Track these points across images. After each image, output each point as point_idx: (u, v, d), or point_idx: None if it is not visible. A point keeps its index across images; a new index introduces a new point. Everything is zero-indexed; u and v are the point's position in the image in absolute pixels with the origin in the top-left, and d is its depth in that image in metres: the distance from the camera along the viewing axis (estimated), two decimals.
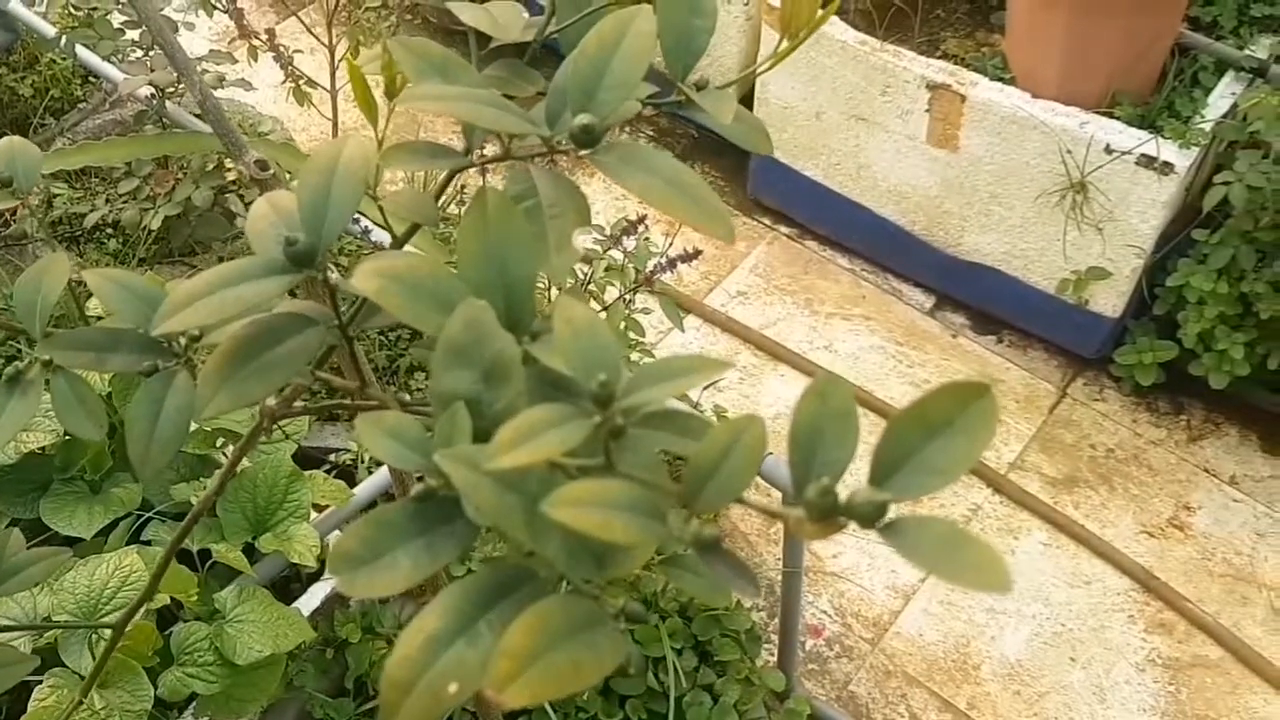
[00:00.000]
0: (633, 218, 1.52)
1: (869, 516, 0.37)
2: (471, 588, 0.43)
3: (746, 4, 2.53)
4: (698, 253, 1.53)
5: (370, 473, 1.85)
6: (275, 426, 1.00)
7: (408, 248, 0.66)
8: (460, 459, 0.42)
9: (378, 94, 0.62)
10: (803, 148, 2.55)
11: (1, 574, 0.62)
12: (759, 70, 0.63)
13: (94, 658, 1.38)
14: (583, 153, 0.51)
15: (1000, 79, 2.25)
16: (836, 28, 2.33)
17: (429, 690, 0.41)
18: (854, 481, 0.44)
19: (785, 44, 0.60)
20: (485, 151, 0.59)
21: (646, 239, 1.59)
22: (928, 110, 2.28)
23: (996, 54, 2.35)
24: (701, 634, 1.64)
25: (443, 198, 0.77)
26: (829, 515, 0.37)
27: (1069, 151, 2.13)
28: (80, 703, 0.76)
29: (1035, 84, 2.19)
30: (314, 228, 0.54)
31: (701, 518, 0.39)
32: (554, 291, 1.60)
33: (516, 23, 0.58)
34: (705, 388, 2.24)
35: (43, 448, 1.58)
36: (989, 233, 2.37)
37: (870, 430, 1.72)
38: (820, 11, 0.58)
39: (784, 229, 2.71)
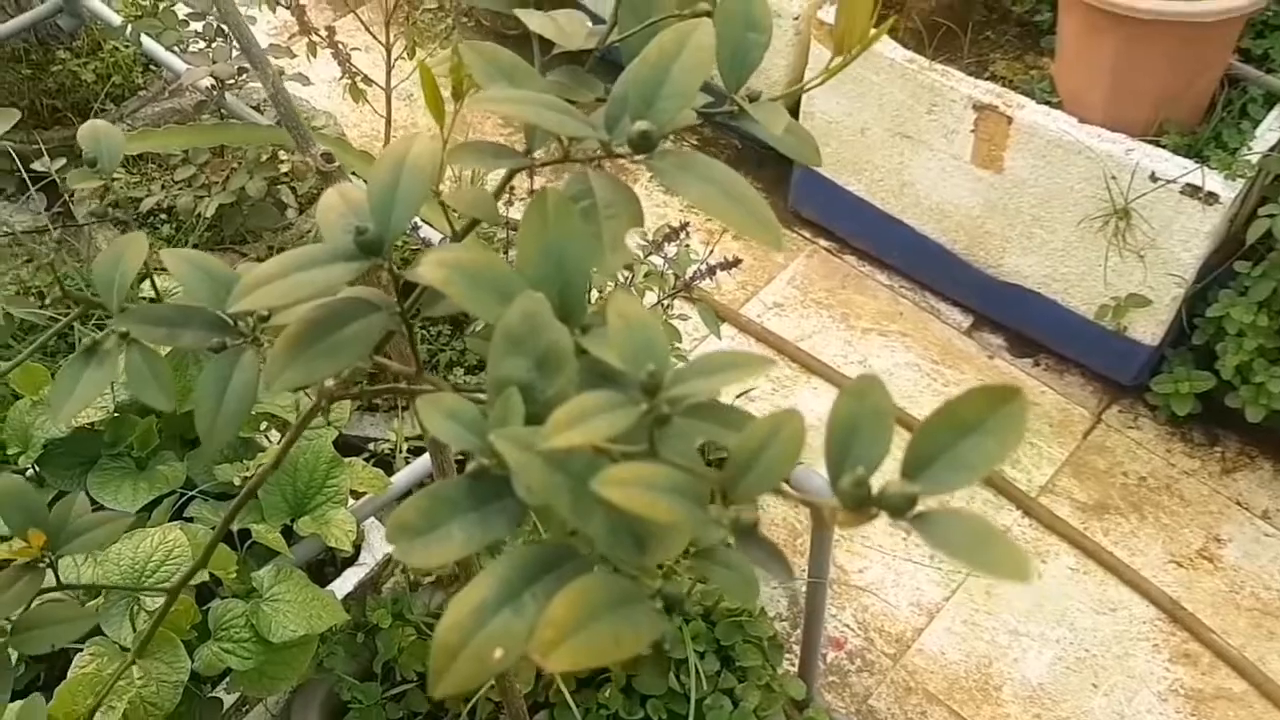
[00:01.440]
0: (674, 224, 1.55)
1: (899, 507, 0.40)
2: (519, 561, 0.45)
3: (796, 19, 2.55)
4: (737, 261, 1.56)
5: (408, 462, 1.89)
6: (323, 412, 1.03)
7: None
8: (514, 440, 0.45)
9: (445, 95, 0.65)
10: (846, 162, 2.57)
11: (68, 534, 0.65)
12: (810, 85, 0.65)
13: (134, 629, 1.42)
14: (639, 158, 0.53)
15: (1047, 102, 2.26)
16: (886, 45, 2.34)
17: (475, 655, 0.43)
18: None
19: (837, 60, 0.62)
20: (543, 154, 0.62)
21: (687, 246, 1.62)
22: (973, 130, 2.29)
23: (1045, 77, 2.36)
24: (724, 639, 1.66)
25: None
26: (862, 505, 0.40)
27: (1113, 177, 2.13)
28: (130, 665, 0.79)
29: (1082, 109, 2.20)
30: (382, 219, 0.57)
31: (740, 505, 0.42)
32: (593, 295, 1.63)
33: (580, 31, 0.61)
34: (738, 396, 2.26)
35: (93, 423, 1.63)
36: (1030, 255, 2.37)
37: (902, 446, 1.74)
38: (874, 30, 0.60)
39: (823, 242, 2.73)
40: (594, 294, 1.65)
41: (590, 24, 0.63)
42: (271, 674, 1.51)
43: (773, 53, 2.61)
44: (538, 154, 0.63)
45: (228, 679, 1.53)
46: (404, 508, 0.47)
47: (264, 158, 2.27)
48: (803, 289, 2.64)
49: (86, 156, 0.64)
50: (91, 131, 0.65)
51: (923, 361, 2.48)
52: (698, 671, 1.61)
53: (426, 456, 1.72)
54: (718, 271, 1.51)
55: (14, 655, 0.64)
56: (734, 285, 2.63)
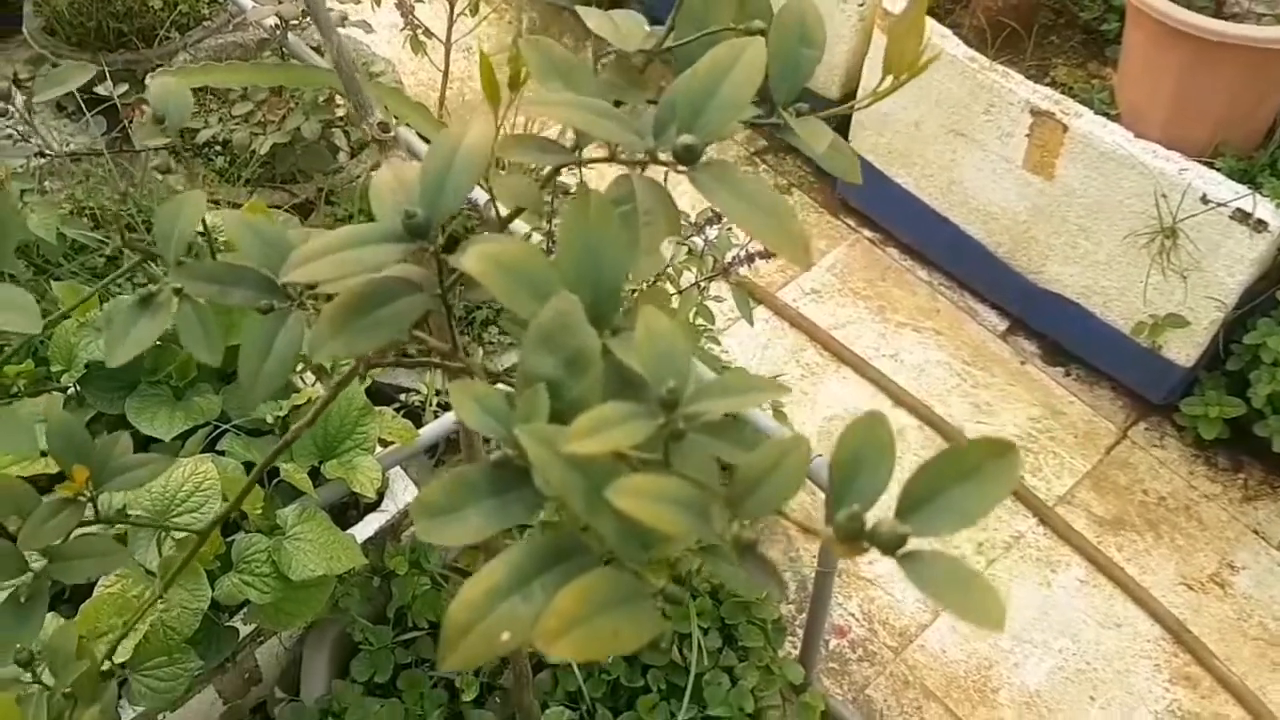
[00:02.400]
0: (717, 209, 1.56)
1: (889, 545, 0.42)
2: (531, 550, 0.48)
3: (861, 5, 2.54)
4: (772, 254, 1.57)
5: (436, 416, 1.93)
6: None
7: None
8: (537, 436, 0.48)
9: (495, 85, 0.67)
10: (896, 155, 2.57)
11: (110, 471, 0.68)
12: (860, 105, 0.66)
13: (159, 554, 1.47)
14: (681, 169, 0.55)
15: (1105, 114, 2.24)
16: (948, 42, 2.33)
17: (484, 635, 0.46)
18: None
19: (885, 84, 0.63)
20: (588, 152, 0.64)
21: (728, 229, 1.63)
22: (1028, 135, 2.28)
23: (1106, 88, 2.34)
24: (729, 618, 1.69)
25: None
26: (854, 539, 0.42)
27: (1164, 195, 2.12)
28: (156, 600, 0.83)
29: (1140, 123, 2.19)
30: (431, 203, 0.59)
31: (744, 521, 0.44)
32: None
33: (638, 34, 0.63)
34: None
35: None
36: (1073, 265, 2.37)
37: (924, 445, 1.77)
38: (924, 60, 0.61)
39: (867, 233, 2.73)
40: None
41: (648, 26, 0.65)
42: (288, 610, 1.56)
43: (835, 37, 2.60)
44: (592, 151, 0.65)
45: (245, 610, 1.58)
46: (429, 489, 0.50)
47: (321, 100, 2.30)
48: (842, 277, 2.64)
49: (155, 113, 0.67)
50: (161, 90, 0.68)
51: (954, 361, 2.49)
52: (701, 647, 1.64)
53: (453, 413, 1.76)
54: (756, 259, 1.52)
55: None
56: (773, 268, 2.63)
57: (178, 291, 0.65)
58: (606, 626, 0.44)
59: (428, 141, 2.20)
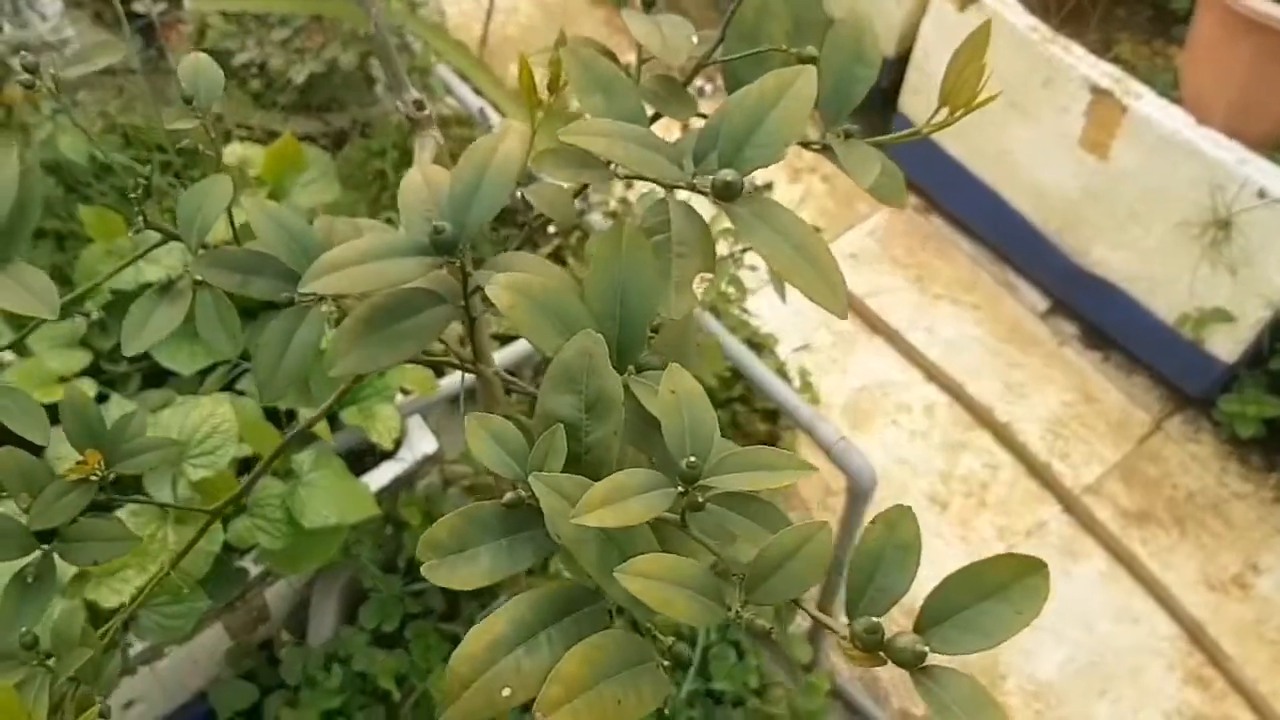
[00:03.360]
0: (759, 182, 1.52)
1: (907, 662, 0.40)
2: (537, 601, 0.47)
3: None
4: (817, 230, 1.53)
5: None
6: None
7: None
8: (552, 486, 0.46)
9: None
10: None
11: (123, 453, 0.67)
12: (915, 135, 0.63)
13: (174, 494, 1.47)
14: (719, 203, 0.53)
15: (1167, 96, 2.17)
16: (1011, 9, 2.26)
17: (485, 690, 0.45)
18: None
19: (939, 118, 0.60)
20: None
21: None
22: (1085, 113, 2.22)
23: (1170, 69, 2.27)
24: None
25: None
26: (872, 650, 0.40)
27: (1220, 186, 2.06)
28: (169, 569, 0.82)
29: (1202, 110, 2.12)
30: (459, 217, 0.57)
31: (757, 608, 0.42)
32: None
33: (685, 46, 0.60)
34: (797, 349, 2.25)
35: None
36: (1121, 249, 2.31)
37: (954, 422, 1.72)
38: (981, 96, 0.58)
39: (913, 199, 2.68)
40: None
41: (695, 39, 0.62)
42: (299, 555, 1.56)
43: None
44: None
45: (256, 551, 1.59)
46: (437, 526, 0.48)
47: (361, 32, 2.26)
48: (882, 243, 2.60)
49: (184, 93, 0.64)
50: (191, 67, 0.66)
51: (990, 338, 2.45)
52: None
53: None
54: None
55: None
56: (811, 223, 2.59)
57: (199, 283, 0.63)
58: (610, 695, 0.43)
59: (466, 80, 2.17)
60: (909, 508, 0.45)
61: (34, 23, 2.43)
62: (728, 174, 0.52)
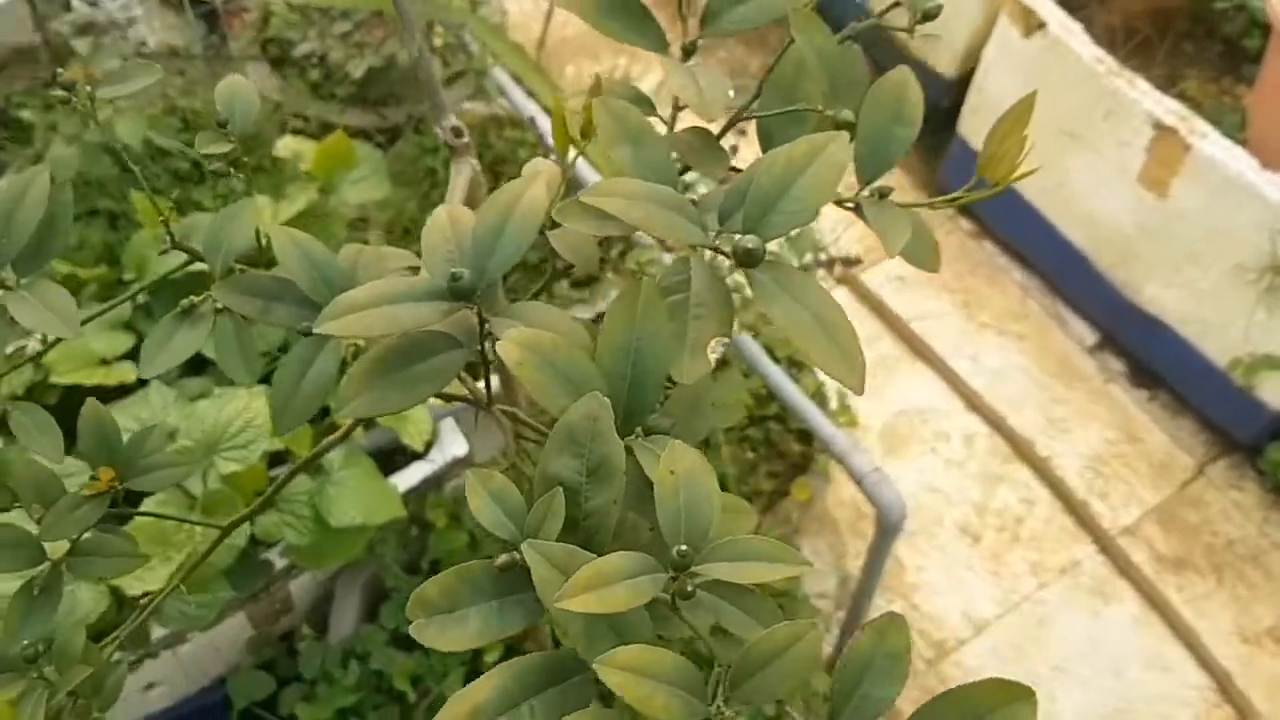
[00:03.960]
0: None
1: None
2: (522, 670, 0.46)
3: None
4: (858, 260, 1.51)
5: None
6: None
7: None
8: (544, 555, 0.45)
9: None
10: None
11: (138, 469, 0.68)
12: (952, 202, 0.62)
13: (204, 484, 1.49)
14: (740, 270, 0.52)
15: (1233, 136, 2.12)
16: (1076, 39, 2.22)
17: None
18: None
19: (980, 189, 0.59)
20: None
21: (812, 226, 1.58)
22: (1146, 149, 2.17)
23: (1238, 109, 2.22)
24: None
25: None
26: None
27: None
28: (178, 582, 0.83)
29: (1268, 153, 2.07)
30: (480, 263, 0.56)
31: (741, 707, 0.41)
32: None
33: (722, 101, 0.59)
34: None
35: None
36: (1174, 289, 2.26)
37: (992, 454, 1.70)
38: (1021, 170, 0.57)
39: (965, 224, 2.64)
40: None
41: (732, 92, 0.61)
42: (324, 552, 1.57)
43: (958, 10, 2.50)
44: None
45: (281, 546, 1.60)
46: (429, 584, 0.48)
47: (424, 29, 2.27)
48: None
49: (218, 117, 0.64)
50: (227, 90, 0.66)
51: (1035, 370, 2.41)
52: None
53: None
54: (837, 265, 1.47)
55: None
56: (860, 248, 2.56)
57: (220, 311, 0.63)
58: None
59: (519, 82, 2.17)
60: (901, 618, 0.44)
61: (104, 1, 2.47)
62: (749, 241, 0.51)
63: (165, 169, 2.15)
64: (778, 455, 2.10)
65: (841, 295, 2.47)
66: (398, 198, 2.10)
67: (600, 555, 0.47)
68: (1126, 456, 2.30)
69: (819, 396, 2.16)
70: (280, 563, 1.62)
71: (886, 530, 1.59)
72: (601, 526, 0.48)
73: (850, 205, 0.62)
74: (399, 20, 2.13)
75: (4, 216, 0.61)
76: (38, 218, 0.61)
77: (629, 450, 0.50)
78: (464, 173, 0.78)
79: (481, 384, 0.64)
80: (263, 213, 1.81)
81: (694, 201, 0.55)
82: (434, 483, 1.75)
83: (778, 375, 1.61)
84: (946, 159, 2.63)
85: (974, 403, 2.35)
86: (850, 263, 1.50)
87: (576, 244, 0.62)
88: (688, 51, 0.63)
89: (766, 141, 0.62)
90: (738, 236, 0.51)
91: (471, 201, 0.85)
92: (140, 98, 2.32)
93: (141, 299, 1.75)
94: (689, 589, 0.43)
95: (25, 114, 2.14)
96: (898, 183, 2.69)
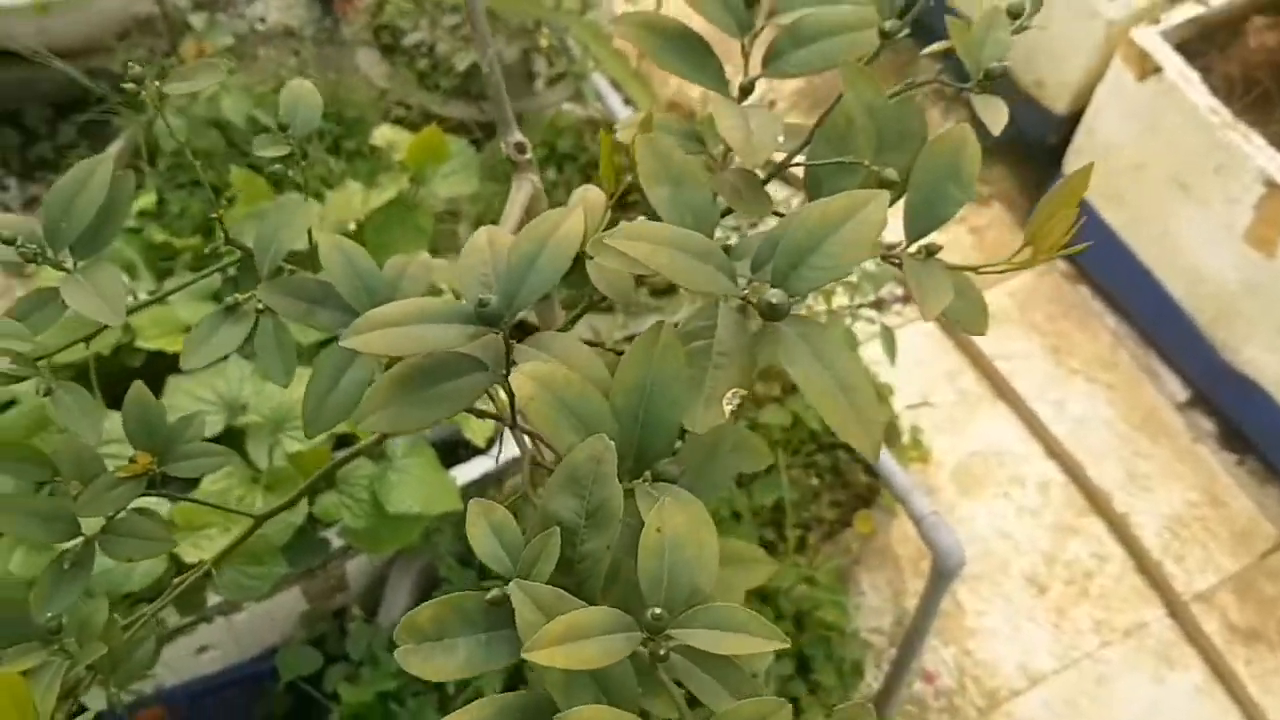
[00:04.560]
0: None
1: None
2: (500, 710, 0.46)
3: (1111, 24, 2.36)
4: None
5: None
6: None
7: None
8: (530, 596, 0.45)
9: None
10: (1111, 192, 2.40)
11: (177, 455, 0.69)
12: (996, 269, 0.60)
13: (270, 460, 1.52)
14: (765, 322, 0.51)
15: None
16: (1193, 87, 2.15)
17: None
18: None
19: (1022, 255, 0.57)
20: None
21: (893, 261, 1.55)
22: (1255, 206, 2.09)
23: None
24: (807, 648, 1.66)
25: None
26: None
27: None
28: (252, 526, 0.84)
29: None
30: (512, 289, 0.56)
31: None
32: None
33: (770, 146, 0.58)
34: (910, 406, 2.19)
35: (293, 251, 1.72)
36: (1275, 352, 2.18)
37: (1067, 504, 1.67)
38: (1068, 246, 0.55)
39: (1061, 264, 2.58)
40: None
41: (782, 137, 0.60)
42: (379, 537, 1.60)
43: (1073, 49, 2.44)
44: None
45: (339, 526, 1.63)
46: (419, 610, 0.48)
47: (529, 27, 2.29)
48: (1022, 306, 2.51)
49: (280, 119, 0.66)
50: (290, 94, 0.67)
51: (1121, 422, 2.34)
52: (769, 671, 1.61)
53: None
54: (911, 301, 1.44)
55: None
56: None
57: (263, 312, 0.64)
58: None
59: (618, 89, 2.18)
60: (870, 708, 0.42)
61: None
62: (774, 295, 0.50)
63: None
64: (843, 485, 2.07)
65: (926, 328, 2.43)
66: (487, 192, 2.12)
67: (591, 601, 0.46)
68: (1207, 520, 2.22)
69: (891, 428, 2.13)
70: (338, 542, 1.65)
71: (942, 575, 1.55)
72: (594, 572, 0.47)
73: (895, 260, 0.60)
74: (506, 18, 2.14)
75: (65, 202, 0.63)
76: (98, 204, 0.63)
77: (633, 495, 0.50)
78: (524, 189, 0.79)
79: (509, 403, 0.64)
80: (354, 198, 1.85)
81: (728, 249, 0.55)
82: (494, 479, 1.76)
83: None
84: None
85: (1054, 449, 2.29)
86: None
87: (613, 277, 0.62)
88: (745, 90, 0.63)
89: (815, 190, 0.61)
90: (765, 289, 0.50)
91: (532, 217, 0.85)
92: (254, 74, 2.39)
93: (232, 271, 1.80)
94: (662, 652, 0.42)
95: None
96: (997, 218, 2.63)
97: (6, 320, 0.61)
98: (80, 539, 0.68)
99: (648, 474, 0.52)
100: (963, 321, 0.62)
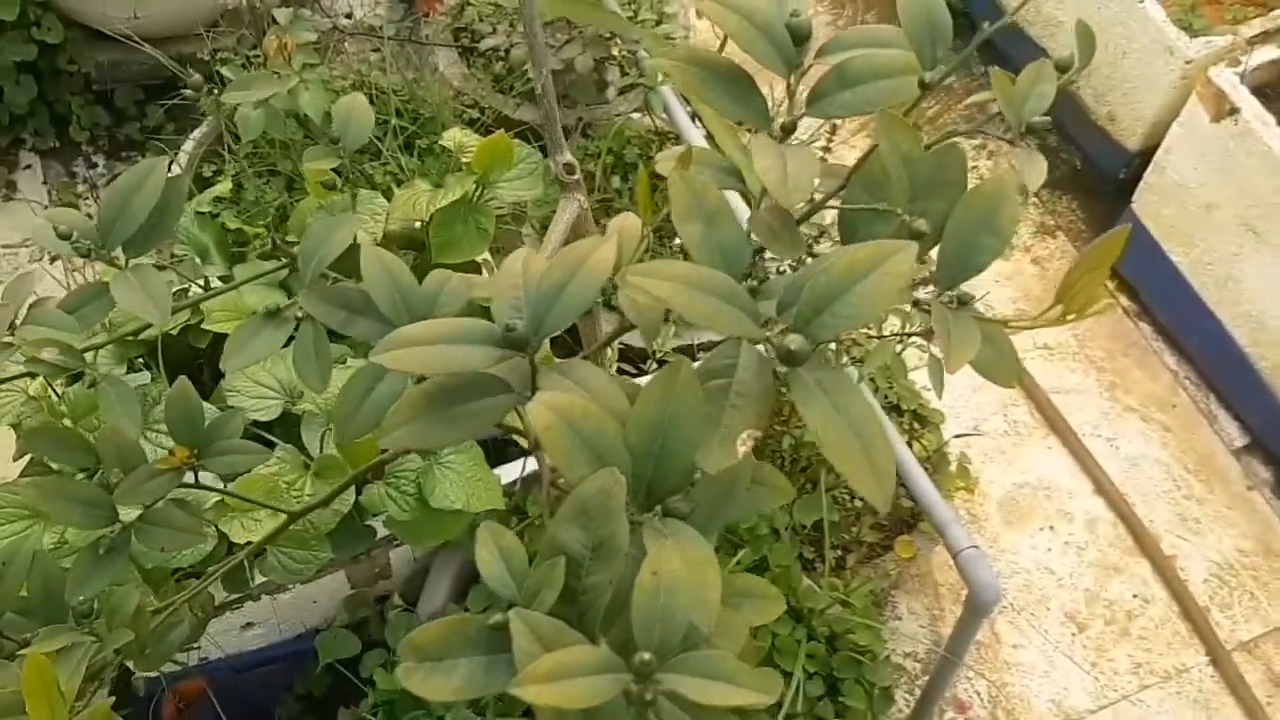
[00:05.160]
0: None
1: None
2: None
3: (1188, 63, 2.32)
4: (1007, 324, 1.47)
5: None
6: None
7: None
8: (529, 626, 0.46)
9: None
10: (1179, 232, 2.36)
11: (214, 450, 0.71)
12: (1023, 325, 0.60)
13: (321, 449, 1.55)
14: (782, 369, 0.52)
15: None
16: (1268, 129, 2.10)
17: None
18: None
19: (1053, 312, 0.57)
20: None
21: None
22: None
23: None
24: (839, 670, 1.65)
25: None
26: None
27: None
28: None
29: None
30: (540, 314, 0.58)
31: None
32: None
33: (805, 187, 0.58)
34: (959, 435, 2.17)
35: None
36: None
37: (1113, 544, 1.65)
38: (1099, 305, 0.55)
39: (1124, 300, 2.53)
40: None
41: (818, 180, 0.60)
42: (423, 530, 1.62)
43: (1151, 87, 2.40)
44: None
45: (383, 517, 1.65)
46: (423, 629, 0.49)
47: (604, 37, 2.30)
48: (1081, 341, 2.47)
49: (332, 133, 0.68)
50: (344, 109, 0.69)
51: (1175, 464, 2.30)
52: (800, 688, 1.61)
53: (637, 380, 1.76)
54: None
55: None
56: (1010, 309, 2.49)
57: (299, 319, 0.66)
58: None
59: (686, 102, 2.18)
60: None
61: None
62: (794, 341, 0.50)
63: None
64: (890, 511, 2.06)
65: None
66: (552, 196, 2.14)
67: (591, 634, 0.47)
68: (1258, 570, 2.17)
69: (939, 456, 2.11)
70: (383, 530, 1.68)
71: (976, 609, 1.54)
72: (597, 604, 0.48)
73: (925, 308, 0.60)
74: (583, 27, 2.16)
75: (122, 201, 0.65)
76: (151, 205, 0.66)
77: (642, 526, 0.51)
78: (570, 209, 0.80)
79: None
80: (420, 197, 1.87)
81: (755, 290, 0.55)
82: (538, 479, 1.77)
83: (888, 430, 1.58)
84: None
85: (1103, 486, 2.26)
86: None
87: (643, 308, 0.62)
88: (787, 130, 0.63)
89: (848, 235, 0.61)
90: (785, 335, 0.51)
91: (578, 236, 0.86)
92: (338, 68, 2.44)
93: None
94: (649, 697, 0.43)
95: (225, 71, 2.27)
96: (1061, 249, 2.60)
97: (56, 313, 0.64)
98: (118, 526, 0.70)
99: (659, 508, 0.53)
100: (990, 373, 0.62)
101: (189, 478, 0.73)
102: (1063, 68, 0.60)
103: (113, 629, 0.68)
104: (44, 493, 0.68)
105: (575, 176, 0.81)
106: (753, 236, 0.62)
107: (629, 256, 0.66)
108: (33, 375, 0.78)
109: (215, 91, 2.22)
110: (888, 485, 0.51)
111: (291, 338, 0.79)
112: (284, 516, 1.52)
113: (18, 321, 0.65)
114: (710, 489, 0.57)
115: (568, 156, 0.81)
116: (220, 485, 1.11)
